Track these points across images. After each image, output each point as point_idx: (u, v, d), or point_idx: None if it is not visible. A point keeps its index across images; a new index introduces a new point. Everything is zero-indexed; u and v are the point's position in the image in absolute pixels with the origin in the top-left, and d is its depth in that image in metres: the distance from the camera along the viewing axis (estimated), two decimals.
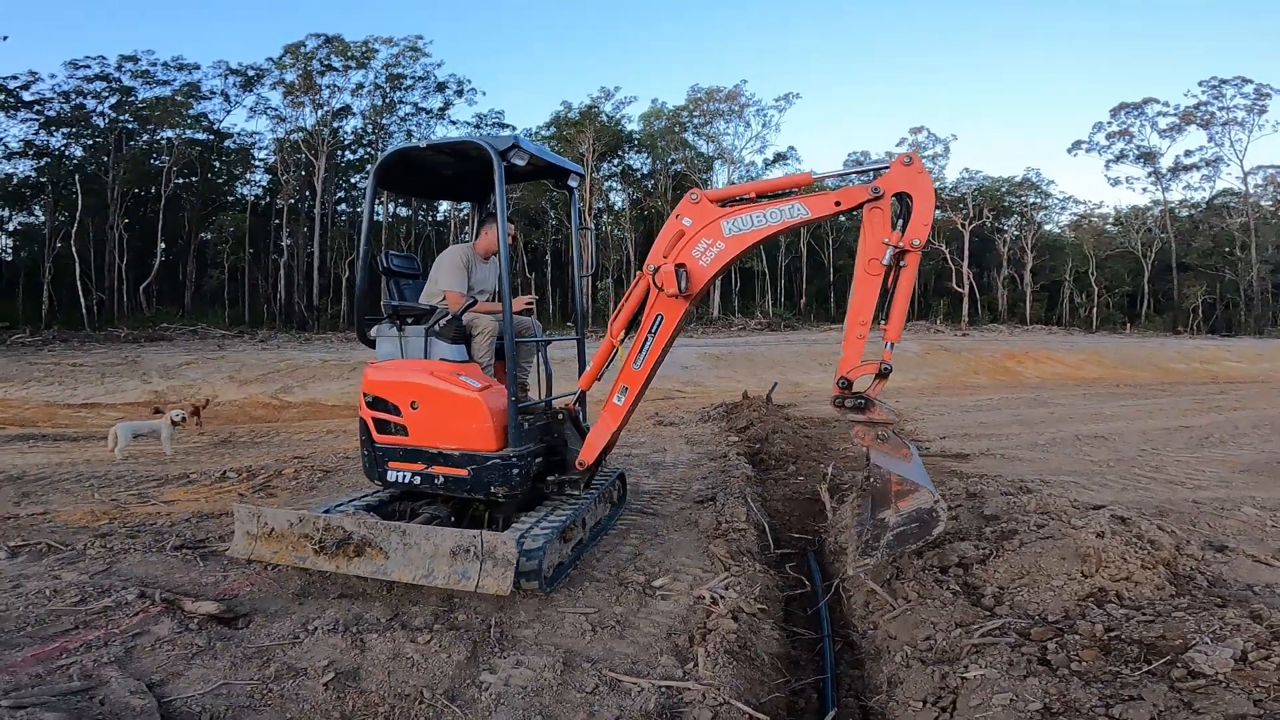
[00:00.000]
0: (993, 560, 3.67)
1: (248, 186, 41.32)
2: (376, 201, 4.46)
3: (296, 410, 15.16)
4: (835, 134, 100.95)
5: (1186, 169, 45.20)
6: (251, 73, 37.76)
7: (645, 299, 4.08)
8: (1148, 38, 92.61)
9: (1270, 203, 44.84)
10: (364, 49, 37.79)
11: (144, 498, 5.93)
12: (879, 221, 3.82)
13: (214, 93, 37.97)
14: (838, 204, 3.90)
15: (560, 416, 4.56)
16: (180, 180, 37.01)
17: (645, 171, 45.88)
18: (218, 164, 40.26)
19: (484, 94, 54.33)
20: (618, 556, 4.27)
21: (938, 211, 44.74)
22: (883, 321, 3.88)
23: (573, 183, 4.85)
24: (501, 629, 3.21)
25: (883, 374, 3.91)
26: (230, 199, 40.62)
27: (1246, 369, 22.92)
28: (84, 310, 30.76)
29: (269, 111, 38.63)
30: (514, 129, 44.11)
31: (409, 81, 40.04)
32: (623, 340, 4.18)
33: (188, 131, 36.80)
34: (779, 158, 46.75)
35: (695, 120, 43.55)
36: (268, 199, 40.52)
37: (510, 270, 4.19)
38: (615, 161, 44.73)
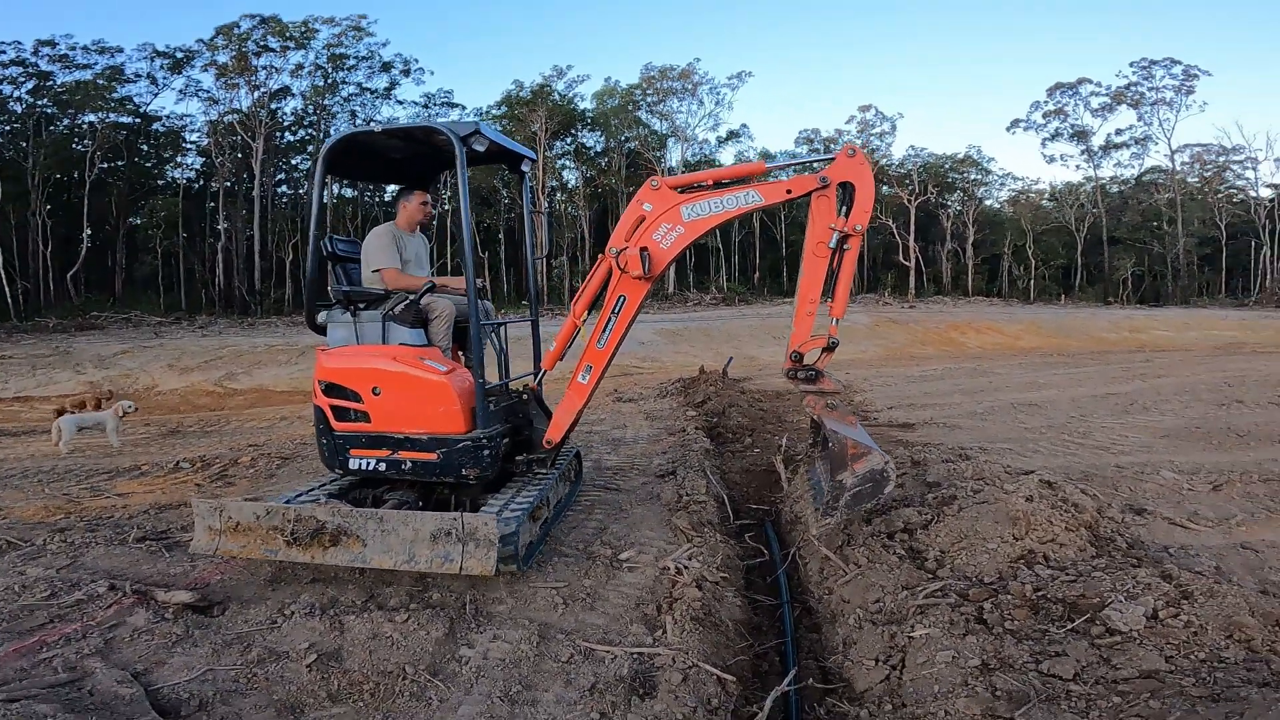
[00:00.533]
0: (935, 525, 3.92)
1: (179, 170, 39.55)
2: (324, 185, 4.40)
3: (244, 397, 14.83)
4: (787, 111, 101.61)
5: (1117, 147, 46.99)
6: (180, 55, 35.97)
7: (607, 280, 4.23)
8: (1085, 16, 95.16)
9: (1196, 179, 47.01)
10: (303, 29, 36.35)
11: (97, 491, 5.82)
12: (826, 208, 4.17)
13: (139, 75, 36.08)
14: (789, 191, 4.21)
15: (524, 396, 4.64)
16: (105, 165, 35.18)
17: (599, 149, 45.57)
18: (145, 147, 38.34)
19: (432, 73, 53.11)
20: (584, 532, 4.40)
21: (886, 188, 45.99)
22: (829, 299, 4.17)
23: (525, 167, 4.91)
24: (476, 606, 3.32)
25: (830, 347, 4.24)
26: (160, 183, 38.82)
27: (1173, 337, 24.20)
28: (9, 300, 29.21)
29: (200, 94, 36.97)
30: (464, 109, 43.32)
31: (352, 61, 38.81)
32: (585, 320, 4.32)
33: (111, 115, 34.95)
34: (732, 135, 46.95)
35: (649, 98, 43.39)
36: (201, 182, 38.90)
37: (466, 249, 4.17)
38: (568, 140, 44.27)
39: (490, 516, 3.40)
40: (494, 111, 42.09)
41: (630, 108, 43.23)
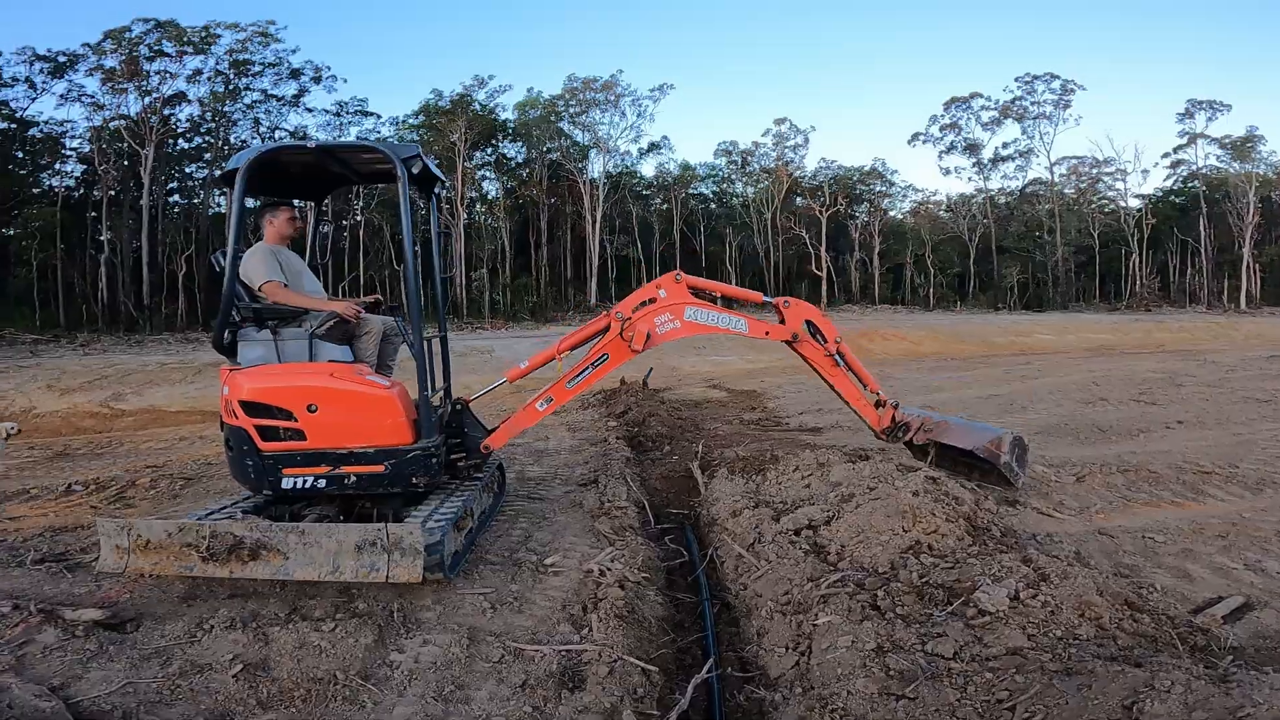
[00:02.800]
0: (836, 521, 4.21)
1: (58, 178, 36.56)
2: (226, 199, 4.30)
3: (133, 419, 13.95)
4: (707, 124, 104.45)
5: (1004, 159, 50.64)
6: (63, 58, 33.41)
7: (600, 334, 4.70)
8: (981, 30, 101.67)
9: (1072, 191, 51.09)
10: (203, 34, 34.48)
11: None
12: (810, 347, 5.21)
13: (16, 80, 33.34)
14: (767, 334, 5.14)
15: (457, 406, 4.73)
16: None
17: (520, 160, 45.33)
18: (20, 154, 35.32)
19: (345, 81, 51.32)
20: (509, 540, 4.50)
21: (800, 199, 47.90)
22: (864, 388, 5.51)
23: (437, 189, 5.02)
24: (405, 613, 3.37)
25: (895, 406, 5.52)
26: (36, 191, 35.80)
27: (1054, 340, 26.27)
28: None
29: (84, 99, 34.43)
30: (379, 118, 42.61)
31: (257, 68, 37.09)
32: (564, 357, 4.69)
33: None
34: (653, 147, 47.89)
35: (571, 109, 43.58)
36: (82, 191, 36.18)
37: (408, 267, 4.24)
38: (489, 150, 43.83)
39: (415, 525, 3.47)
40: (411, 121, 41.26)
41: (552, 118, 43.30)
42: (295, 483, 3.97)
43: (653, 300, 4.73)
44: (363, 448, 3.99)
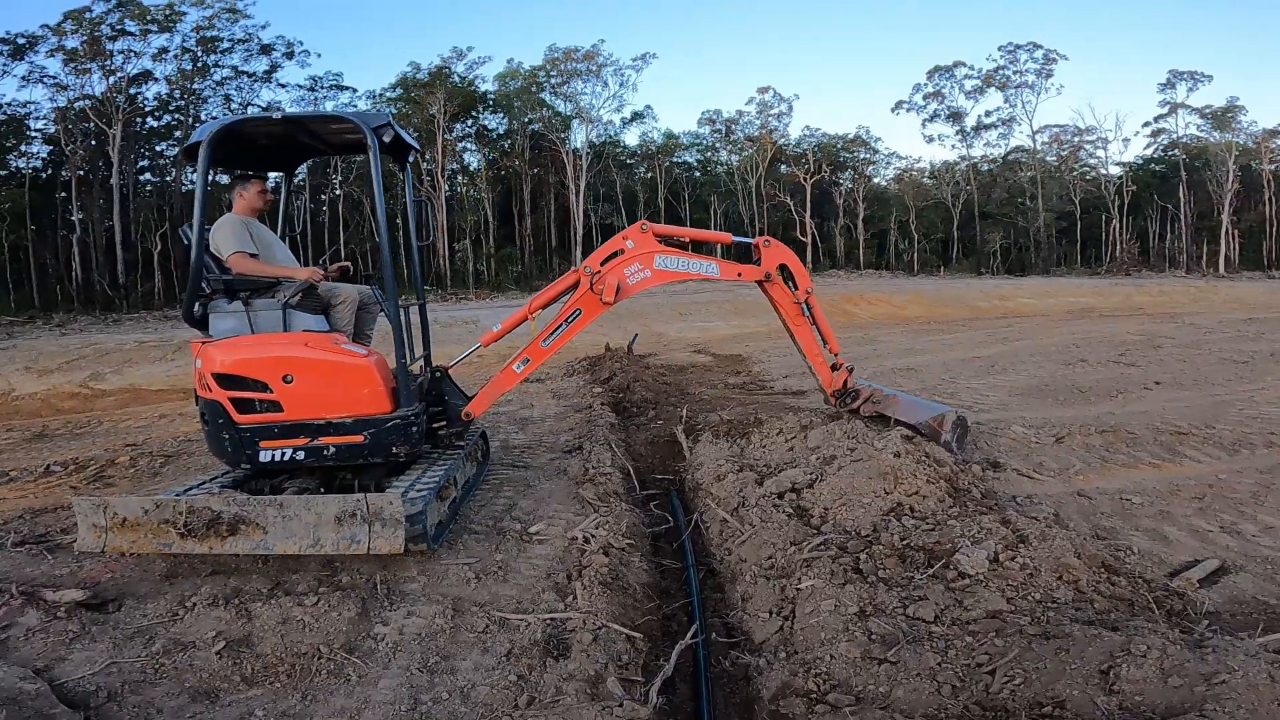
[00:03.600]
0: (818, 484, 4.23)
1: (24, 159, 35.63)
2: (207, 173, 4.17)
3: (113, 398, 13.73)
4: (690, 92, 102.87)
5: (987, 128, 50.55)
6: (22, 40, 32.29)
7: (570, 291, 4.66)
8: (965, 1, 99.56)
9: (1054, 158, 51.18)
10: (167, 12, 33.36)
11: None
12: (780, 292, 5.25)
13: None
14: (739, 275, 5.13)
15: (437, 374, 4.68)
16: None
17: (501, 131, 44.59)
18: None
19: (319, 56, 49.98)
20: (494, 509, 4.49)
21: (784, 167, 47.65)
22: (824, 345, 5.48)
23: (410, 158, 4.93)
24: (388, 585, 3.35)
25: (850, 370, 5.50)
26: (2, 173, 34.96)
27: (1035, 304, 26.42)
28: None
29: (46, 80, 33.40)
30: (354, 91, 41.67)
31: (226, 44, 36.07)
32: (537, 317, 4.69)
33: None
34: (636, 116, 47.32)
35: (553, 80, 42.80)
36: (50, 171, 35.38)
37: (381, 236, 4.18)
38: (469, 122, 43.05)
39: (395, 495, 3.43)
40: (388, 94, 40.40)
41: (534, 89, 42.54)
42: (273, 455, 3.91)
43: (620, 252, 4.71)
44: (341, 418, 3.93)
